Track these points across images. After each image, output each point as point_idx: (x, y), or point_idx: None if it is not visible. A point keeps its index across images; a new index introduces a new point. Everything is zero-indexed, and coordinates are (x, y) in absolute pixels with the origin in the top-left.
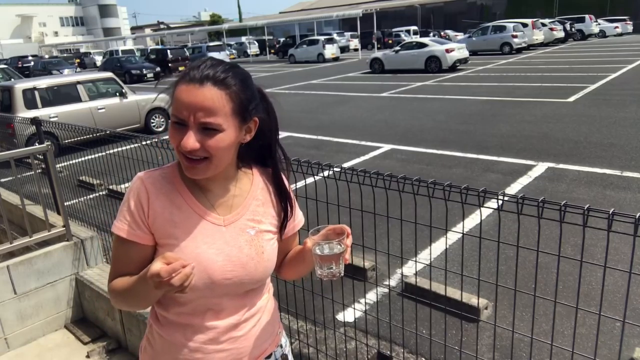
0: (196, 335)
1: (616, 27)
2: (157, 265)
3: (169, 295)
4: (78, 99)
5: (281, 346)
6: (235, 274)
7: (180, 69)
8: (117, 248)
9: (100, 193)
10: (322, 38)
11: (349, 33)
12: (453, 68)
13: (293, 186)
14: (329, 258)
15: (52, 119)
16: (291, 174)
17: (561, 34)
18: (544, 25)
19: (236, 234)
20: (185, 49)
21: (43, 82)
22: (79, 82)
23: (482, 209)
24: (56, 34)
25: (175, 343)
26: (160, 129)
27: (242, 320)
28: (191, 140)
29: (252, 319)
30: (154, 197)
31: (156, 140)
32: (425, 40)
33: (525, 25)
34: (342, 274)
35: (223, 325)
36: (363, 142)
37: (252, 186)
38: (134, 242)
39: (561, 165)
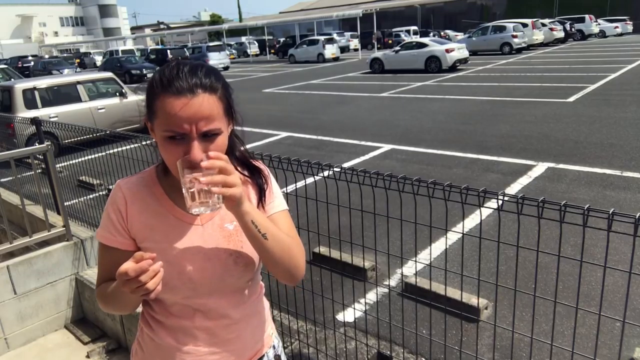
0: (186, 337)
1: (616, 27)
2: (126, 264)
3: (156, 297)
4: (78, 99)
5: (274, 347)
6: (215, 272)
7: None
8: (101, 254)
9: (100, 193)
10: (322, 38)
11: (349, 33)
12: (453, 68)
13: (293, 186)
14: (187, 186)
15: (52, 119)
16: (291, 174)
17: (561, 34)
18: (544, 25)
19: (214, 231)
20: (185, 49)
21: (43, 82)
22: (79, 82)
23: (482, 209)
24: (56, 34)
25: (166, 346)
26: None
27: (232, 322)
28: (199, 152)
29: (243, 321)
30: (131, 202)
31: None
32: (425, 40)
33: (525, 25)
34: (213, 208)
35: (213, 327)
36: (363, 142)
37: None
38: (115, 249)
39: (561, 165)
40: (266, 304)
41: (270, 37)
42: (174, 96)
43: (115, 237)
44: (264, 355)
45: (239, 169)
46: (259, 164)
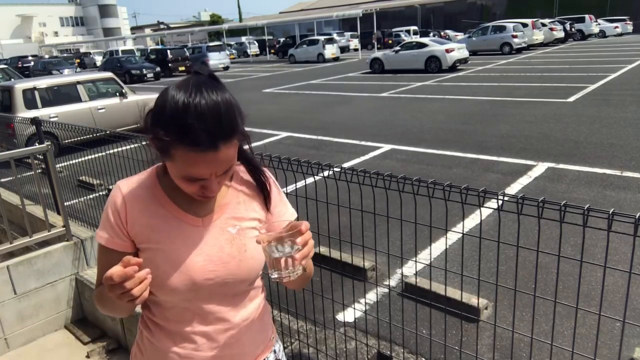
0: (185, 342)
1: (616, 27)
2: (112, 269)
3: (154, 300)
4: (78, 99)
5: (274, 351)
6: (217, 274)
7: (181, 69)
8: (100, 256)
9: (100, 193)
10: (322, 38)
11: (349, 33)
12: (453, 68)
13: (293, 186)
14: (279, 260)
15: (52, 119)
16: (291, 174)
17: (561, 34)
18: (544, 25)
19: (216, 233)
20: (185, 49)
21: (43, 82)
22: (79, 82)
23: (482, 209)
24: (56, 34)
25: (164, 350)
26: None
27: (232, 326)
28: (216, 188)
29: (243, 325)
30: (131, 204)
31: None
32: (425, 40)
33: (525, 25)
34: (294, 276)
35: (212, 332)
36: (363, 142)
37: (232, 184)
38: (114, 250)
39: (561, 165)
40: (267, 307)
41: (270, 37)
42: (194, 151)
43: (113, 238)
44: None
45: (247, 175)
46: (264, 169)
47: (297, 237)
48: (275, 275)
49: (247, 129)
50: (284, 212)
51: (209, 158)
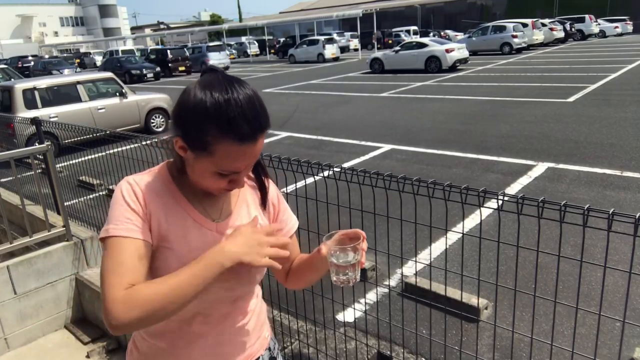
0: (182, 339)
1: (616, 27)
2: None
3: None
4: (78, 99)
5: (269, 349)
6: (227, 279)
7: (181, 69)
8: (122, 253)
9: (100, 193)
10: (322, 38)
11: (349, 33)
12: (453, 68)
13: (293, 186)
14: (346, 265)
15: (52, 119)
16: (291, 174)
17: (561, 34)
18: (544, 25)
19: None
20: (185, 49)
21: (43, 82)
22: (79, 82)
23: (482, 209)
24: (56, 34)
25: (161, 347)
26: (160, 129)
27: (229, 325)
28: (243, 182)
29: (240, 324)
30: (148, 197)
31: (156, 140)
32: (425, 40)
33: (525, 25)
34: (358, 280)
35: (209, 330)
36: (363, 142)
37: (241, 190)
38: (144, 241)
39: (561, 165)
40: (263, 306)
41: (270, 37)
42: (237, 144)
43: (141, 227)
44: (259, 358)
45: (254, 180)
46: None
47: (360, 245)
48: (342, 279)
49: None
50: (289, 219)
51: (248, 150)
